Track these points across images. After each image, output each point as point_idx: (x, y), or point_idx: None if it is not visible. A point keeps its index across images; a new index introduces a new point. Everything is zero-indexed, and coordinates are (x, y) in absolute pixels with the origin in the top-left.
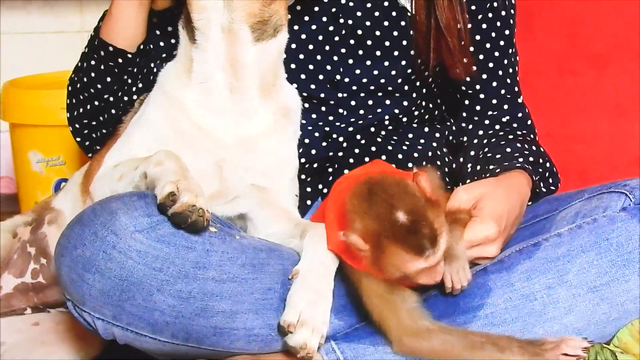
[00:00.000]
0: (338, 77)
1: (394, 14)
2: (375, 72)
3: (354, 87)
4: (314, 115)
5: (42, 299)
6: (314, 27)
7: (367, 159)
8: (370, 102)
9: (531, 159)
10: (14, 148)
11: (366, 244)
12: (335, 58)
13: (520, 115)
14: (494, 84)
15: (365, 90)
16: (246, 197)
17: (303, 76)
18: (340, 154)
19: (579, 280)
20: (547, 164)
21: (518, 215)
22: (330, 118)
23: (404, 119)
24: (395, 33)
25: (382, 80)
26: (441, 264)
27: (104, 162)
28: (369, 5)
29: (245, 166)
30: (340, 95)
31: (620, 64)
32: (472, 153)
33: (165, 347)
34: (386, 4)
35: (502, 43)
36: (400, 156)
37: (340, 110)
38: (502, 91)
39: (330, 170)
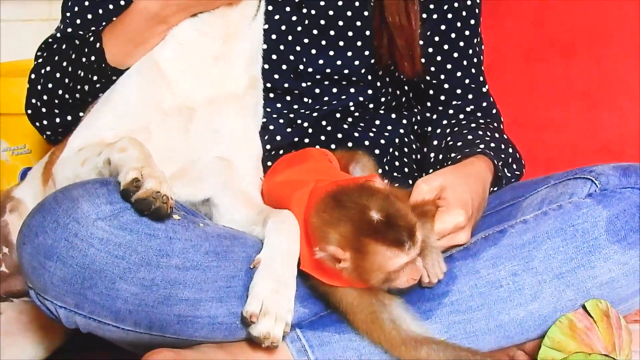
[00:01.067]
0: (301, 67)
1: (357, 4)
2: (339, 62)
3: (318, 77)
4: (278, 105)
5: (5, 289)
6: (277, 17)
7: (333, 146)
8: (334, 90)
9: (493, 144)
10: None
11: (345, 252)
12: (298, 48)
13: (485, 104)
14: (458, 74)
15: (329, 79)
16: (210, 175)
17: (266, 66)
18: (306, 140)
19: (544, 266)
20: (510, 150)
21: (482, 201)
22: (295, 106)
23: (370, 106)
24: (358, 23)
25: (346, 71)
26: (419, 259)
27: (69, 143)
28: None
29: (213, 128)
30: (304, 84)
31: (588, 52)
32: (435, 143)
33: (128, 335)
34: None
35: (467, 33)
36: (367, 143)
37: (305, 99)
38: (467, 81)
39: None
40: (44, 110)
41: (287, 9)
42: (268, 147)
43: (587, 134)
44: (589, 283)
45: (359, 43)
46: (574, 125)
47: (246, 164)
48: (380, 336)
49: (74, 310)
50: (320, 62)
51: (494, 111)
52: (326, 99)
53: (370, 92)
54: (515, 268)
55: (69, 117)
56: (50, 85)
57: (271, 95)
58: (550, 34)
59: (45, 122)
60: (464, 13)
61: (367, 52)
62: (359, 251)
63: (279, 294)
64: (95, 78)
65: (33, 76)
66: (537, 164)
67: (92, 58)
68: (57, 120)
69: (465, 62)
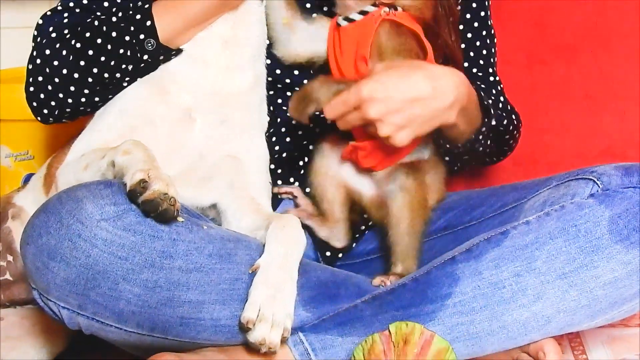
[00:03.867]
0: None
1: None
2: None
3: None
4: (279, 100)
5: (8, 297)
6: None
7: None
8: None
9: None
10: None
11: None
12: None
13: (493, 92)
14: (466, 64)
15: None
16: (218, 174)
17: (268, 61)
18: (311, 147)
19: (547, 267)
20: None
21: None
22: None
23: None
24: None
25: None
26: None
27: (73, 147)
28: None
29: (220, 119)
30: (306, 80)
31: (590, 54)
32: None
33: (130, 337)
34: None
35: (476, 24)
36: None
37: None
38: (474, 70)
39: (301, 163)
40: (62, 89)
41: None
42: (277, 147)
43: (589, 137)
44: (592, 283)
45: None
46: (576, 128)
47: (254, 165)
48: None
49: (76, 311)
50: None
51: (502, 98)
52: None
53: None
54: (518, 269)
55: (97, 98)
56: (82, 63)
57: (274, 91)
58: (552, 37)
59: (53, 103)
60: (474, 5)
61: None
62: None
63: (277, 299)
64: (144, 57)
65: (48, 52)
66: (539, 167)
67: (141, 37)
68: (82, 99)
69: (472, 54)
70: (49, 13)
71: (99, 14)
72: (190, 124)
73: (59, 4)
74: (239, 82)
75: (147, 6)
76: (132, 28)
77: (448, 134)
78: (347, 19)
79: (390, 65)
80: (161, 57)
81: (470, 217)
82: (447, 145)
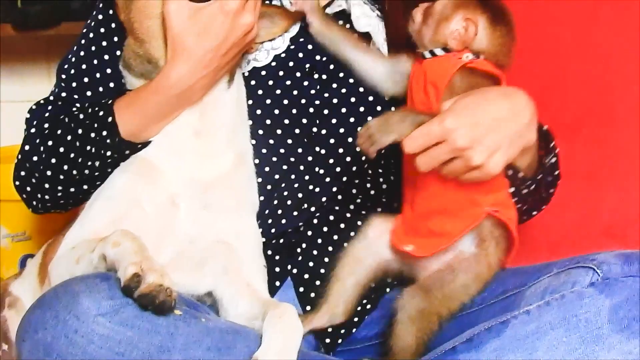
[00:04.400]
0: (315, 129)
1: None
2: (352, 120)
3: (332, 141)
4: (292, 176)
5: None
6: (288, 82)
7: (335, 237)
8: (347, 159)
9: None
10: None
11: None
12: (311, 110)
13: None
14: None
15: (343, 142)
16: (210, 260)
17: (279, 131)
18: (309, 232)
19: (548, 357)
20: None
21: (504, 120)
22: (306, 177)
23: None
24: (371, 97)
25: (359, 129)
26: None
27: (64, 240)
28: None
29: (203, 204)
30: (317, 149)
31: (591, 133)
32: None
33: None
34: None
35: None
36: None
37: (317, 169)
38: None
39: (298, 250)
40: (44, 184)
41: (298, 74)
42: (273, 230)
43: (589, 216)
44: None
45: (370, 98)
46: (577, 207)
47: (246, 249)
48: None
49: None
50: (333, 121)
51: None
52: (338, 169)
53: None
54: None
55: (72, 189)
56: (53, 161)
57: (285, 167)
58: (554, 115)
59: (39, 195)
60: None
61: (379, 108)
62: None
63: None
64: (108, 154)
65: (27, 147)
66: (539, 246)
67: (104, 133)
68: (59, 194)
69: None
70: (34, 107)
71: (74, 108)
72: (175, 209)
73: (50, 94)
74: (218, 167)
75: (110, 102)
76: (95, 125)
77: (520, 161)
78: (432, 52)
79: (461, 97)
80: (127, 152)
81: (472, 303)
82: (521, 179)
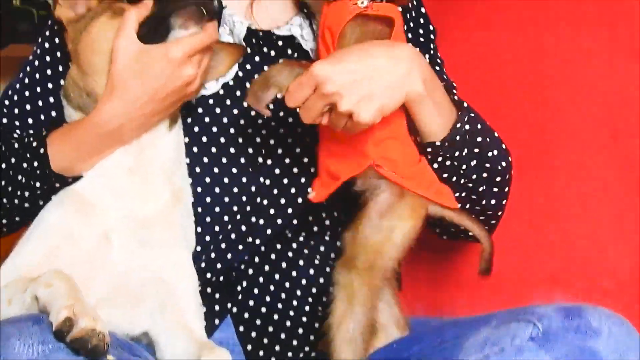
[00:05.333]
0: (260, 159)
1: None
2: (297, 150)
3: (277, 171)
4: (234, 208)
5: None
6: (235, 111)
7: (277, 276)
8: (292, 191)
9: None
10: None
11: None
12: (258, 140)
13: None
14: None
15: (289, 172)
16: (146, 297)
17: (224, 160)
18: (250, 271)
19: None
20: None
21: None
22: (248, 208)
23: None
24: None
25: (306, 159)
26: None
27: None
28: None
29: (138, 241)
30: (261, 179)
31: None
32: None
33: None
34: None
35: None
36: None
37: (260, 200)
38: None
39: (239, 288)
40: None
41: (246, 103)
42: (218, 265)
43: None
44: None
45: None
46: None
47: (182, 287)
48: None
49: None
50: (279, 151)
51: None
52: (283, 200)
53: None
54: None
55: (4, 221)
56: None
57: (226, 199)
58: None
59: None
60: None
61: None
62: None
63: None
64: (37, 184)
65: None
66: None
67: (35, 164)
68: None
69: None
70: None
71: (12, 136)
72: (109, 245)
73: None
74: (154, 204)
75: (45, 133)
76: (27, 155)
77: (421, 122)
78: None
79: (343, 49)
80: (57, 185)
81: (409, 354)
82: (428, 148)
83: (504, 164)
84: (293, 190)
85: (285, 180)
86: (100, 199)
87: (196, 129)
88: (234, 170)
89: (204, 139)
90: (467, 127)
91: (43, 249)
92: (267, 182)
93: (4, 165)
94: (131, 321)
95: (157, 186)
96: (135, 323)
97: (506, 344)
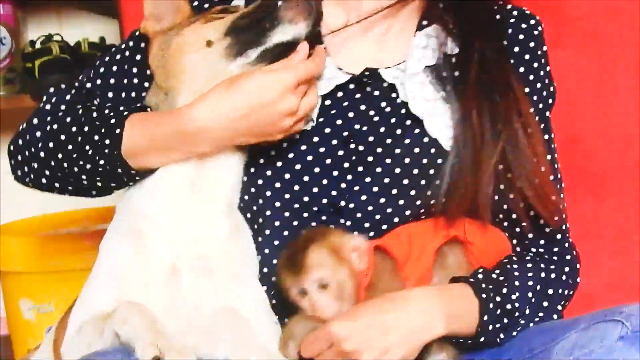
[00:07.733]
0: (343, 202)
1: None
2: (382, 200)
3: (358, 215)
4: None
5: None
6: (322, 149)
7: None
8: (371, 234)
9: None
10: (5, 295)
11: None
12: (343, 185)
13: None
14: None
15: (370, 219)
16: (220, 325)
17: (306, 198)
18: None
19: None
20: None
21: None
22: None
23: None
24: (407, 160)
25: (389, 210)
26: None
27: (70, 322)
28: (382, 129)
29: (204, 270)
30: (342, 221)
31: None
32: None
33: None
34: (399, 131)
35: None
36: None
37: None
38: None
39: None
40: (34, 161)
41: (334, 142)
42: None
43: (621, 276)
44: None
45: (405, 182)
46: (607, 267)
47: (252, 312)
48: None
49: None
50: (363, 198)
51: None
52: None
53: None
54: None
55: (58, 178)
56: (51, 145)
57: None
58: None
59: (26, 169)
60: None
61: (412, 192)
62: None
63: None
64: (101, 162)
65: (36, 121)
66: (570, 307)
67: (107, 141)
68: (43, 179)
69: None
70: (63, 86)
71: (92, 104)
72: (177, 277)
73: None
74: (213, 232)
75: (125, 113)
76: (102, 129)
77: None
78: None
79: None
80: (119, 171)
81: None
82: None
83: (567, 291)
84: (372, 234)
85: (367, 225)
86: (164, 224)
87: (279, 163)
88: (315, 209)
89: (287, 175)
90: (497, 325)
91: (114, 291)
92: (348, 223)
93: (74, 129)
94: (210, 351)
95: (218, 216)
96: (214, 353)
97: (595, 346)
